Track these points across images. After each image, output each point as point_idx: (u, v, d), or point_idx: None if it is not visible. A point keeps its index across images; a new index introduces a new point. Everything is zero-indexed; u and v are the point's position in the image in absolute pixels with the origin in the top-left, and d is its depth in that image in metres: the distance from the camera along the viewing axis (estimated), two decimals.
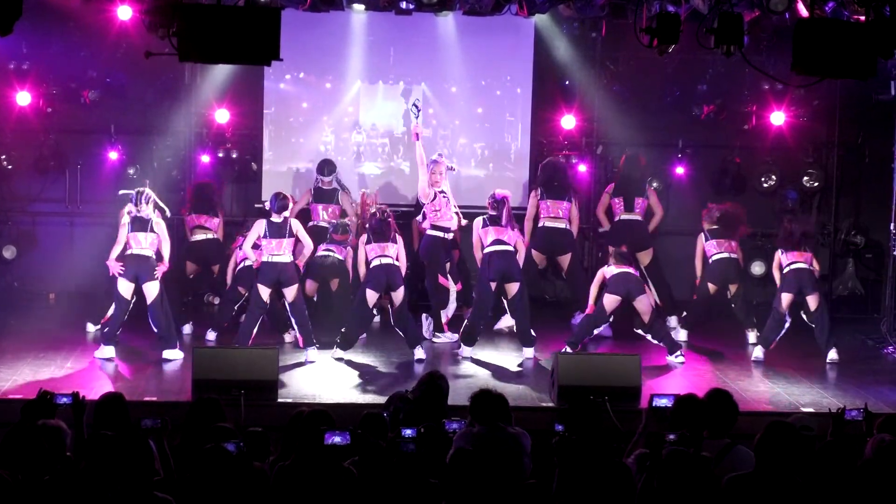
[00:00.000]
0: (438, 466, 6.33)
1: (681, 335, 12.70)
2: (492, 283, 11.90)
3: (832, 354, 11.84)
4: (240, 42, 8.14)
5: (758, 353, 11.97)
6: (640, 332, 11.99)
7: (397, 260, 11.67)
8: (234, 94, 14.11)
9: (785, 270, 12.03)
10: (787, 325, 12.01)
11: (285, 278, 11.47)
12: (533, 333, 11.91)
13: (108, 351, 11.27)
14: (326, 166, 13.37)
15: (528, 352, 11.85)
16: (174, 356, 11.35)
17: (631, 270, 11.85)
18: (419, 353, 11.55)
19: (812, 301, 11.94)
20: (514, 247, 11.94)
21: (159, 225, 11.45)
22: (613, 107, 14.38)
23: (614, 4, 11.59)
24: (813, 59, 8.53)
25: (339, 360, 11.48)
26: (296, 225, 11.59)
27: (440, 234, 12.49)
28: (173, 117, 14.20)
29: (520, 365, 11.60)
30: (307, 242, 11.73)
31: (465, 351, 11.83)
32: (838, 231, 14.77)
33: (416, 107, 12.65)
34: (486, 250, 11.92)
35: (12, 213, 14.41)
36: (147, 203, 11.38)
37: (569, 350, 11.62)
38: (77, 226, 14.43)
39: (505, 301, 12.10)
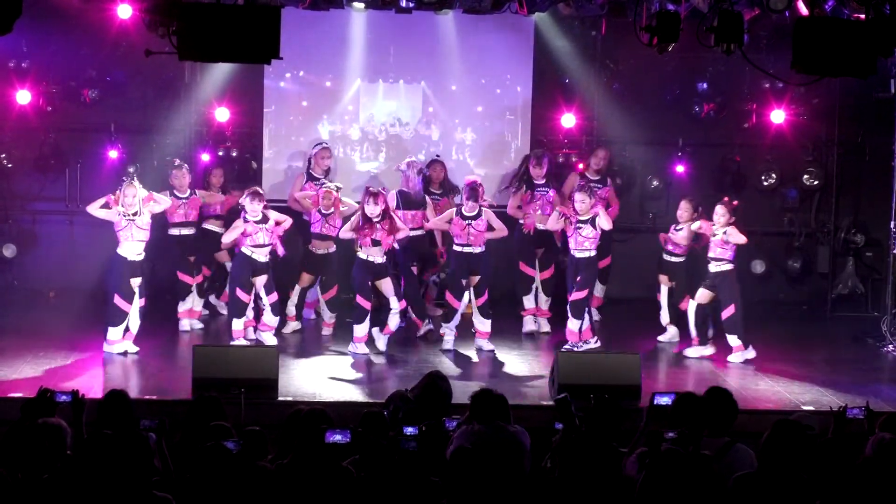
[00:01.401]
0: (439, 465, 6.33)
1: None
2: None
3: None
4: (240, 41, 8.15)
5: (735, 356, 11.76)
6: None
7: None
8: (234, 92, 14.09)
9: (714, 271, 11.76)
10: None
11: None
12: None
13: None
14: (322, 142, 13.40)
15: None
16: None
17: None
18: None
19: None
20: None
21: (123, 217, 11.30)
22: (613, 105, 14.38)
23: (614, 3, 11.56)
24: (813, 58, 8.55)
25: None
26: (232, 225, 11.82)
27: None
28: (173, 116, 14.20)
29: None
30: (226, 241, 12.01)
31: (486, 345, 11.86)
32: (838, 229, 14.75)
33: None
34: None
35: (12, 212, 14.40)
36: (124, 195, 11.25)
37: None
38: (77, 224, 14.37)
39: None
